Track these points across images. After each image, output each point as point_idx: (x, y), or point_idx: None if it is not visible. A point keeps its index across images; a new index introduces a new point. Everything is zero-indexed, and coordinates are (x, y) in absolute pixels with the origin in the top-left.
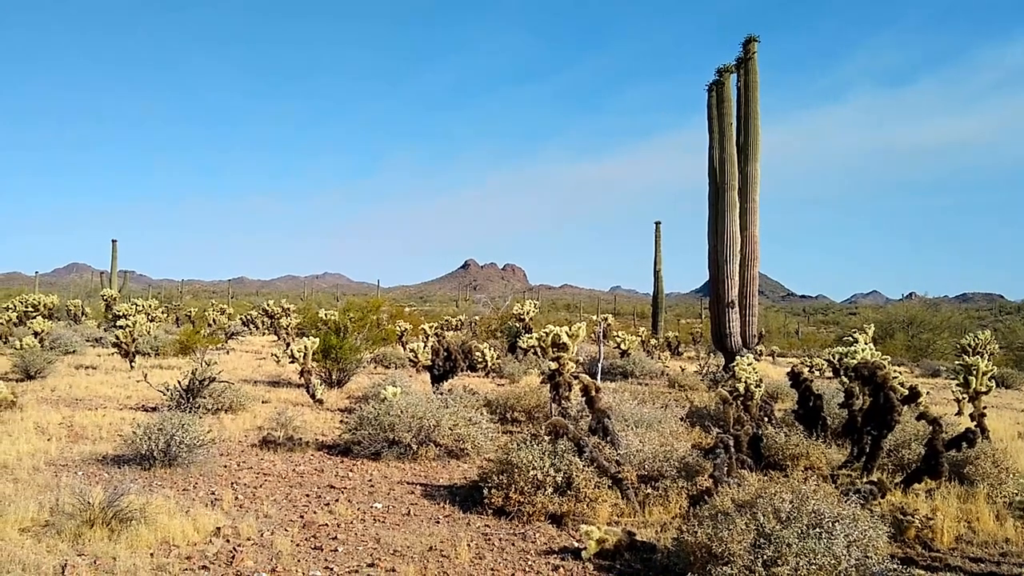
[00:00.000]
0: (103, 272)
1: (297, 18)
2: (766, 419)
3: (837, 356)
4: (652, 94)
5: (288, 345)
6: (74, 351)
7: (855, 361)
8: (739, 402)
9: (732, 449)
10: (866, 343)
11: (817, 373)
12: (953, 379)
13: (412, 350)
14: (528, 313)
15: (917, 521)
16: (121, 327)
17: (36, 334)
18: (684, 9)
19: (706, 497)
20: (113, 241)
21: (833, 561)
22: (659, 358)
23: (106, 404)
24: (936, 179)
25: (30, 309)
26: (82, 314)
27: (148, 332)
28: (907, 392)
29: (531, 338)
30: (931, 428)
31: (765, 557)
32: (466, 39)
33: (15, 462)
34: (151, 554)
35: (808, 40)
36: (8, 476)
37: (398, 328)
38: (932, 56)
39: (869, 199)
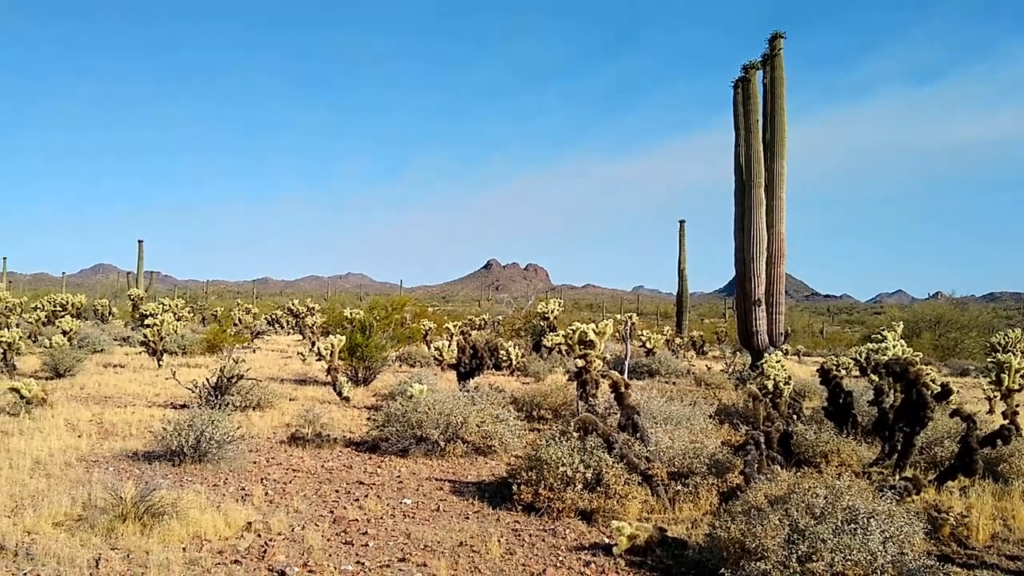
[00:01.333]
0: (129, 272)
1: (323, 21)
2: (795, 416)
3: (866, 353)
4: (675, 94)
5: (314, 344)
6: (102, 350)
7: (886, 358)
8: (768, 399)
9: (762, 445)
10: (895, 340)
11: (844, 372)
12: (984, 377)
13: (437, 348)
14: (553, 312)
15: (952, 518)
16: (149, 326)
17: (65, 333)
18: (708, 7)
19: (737, 493)
20: (139, 242)
21: (869, 557)
22: (684, 357)
23: (135, 401)
24: (962, 177)
25: (58, 309)
26: (109, 314)
27: (175, 331)
28: (939, 389)
29: (556, 336)
30: (965, 425)
31: (799, 553)
32: (490, 42)
33: (47, 458)
34: (183, 548)
35: (834, 37)
36: (41, 472)
37: (423, 327)
38: (960, 53)
39: (894, 198)
